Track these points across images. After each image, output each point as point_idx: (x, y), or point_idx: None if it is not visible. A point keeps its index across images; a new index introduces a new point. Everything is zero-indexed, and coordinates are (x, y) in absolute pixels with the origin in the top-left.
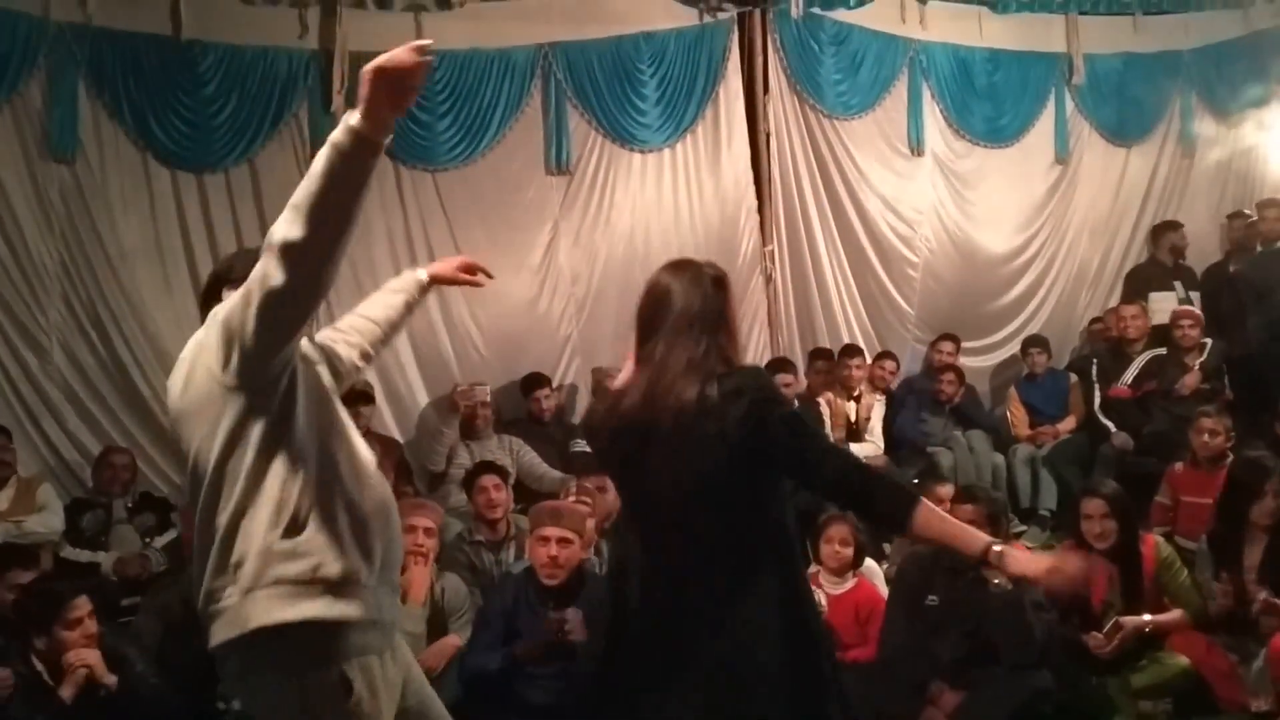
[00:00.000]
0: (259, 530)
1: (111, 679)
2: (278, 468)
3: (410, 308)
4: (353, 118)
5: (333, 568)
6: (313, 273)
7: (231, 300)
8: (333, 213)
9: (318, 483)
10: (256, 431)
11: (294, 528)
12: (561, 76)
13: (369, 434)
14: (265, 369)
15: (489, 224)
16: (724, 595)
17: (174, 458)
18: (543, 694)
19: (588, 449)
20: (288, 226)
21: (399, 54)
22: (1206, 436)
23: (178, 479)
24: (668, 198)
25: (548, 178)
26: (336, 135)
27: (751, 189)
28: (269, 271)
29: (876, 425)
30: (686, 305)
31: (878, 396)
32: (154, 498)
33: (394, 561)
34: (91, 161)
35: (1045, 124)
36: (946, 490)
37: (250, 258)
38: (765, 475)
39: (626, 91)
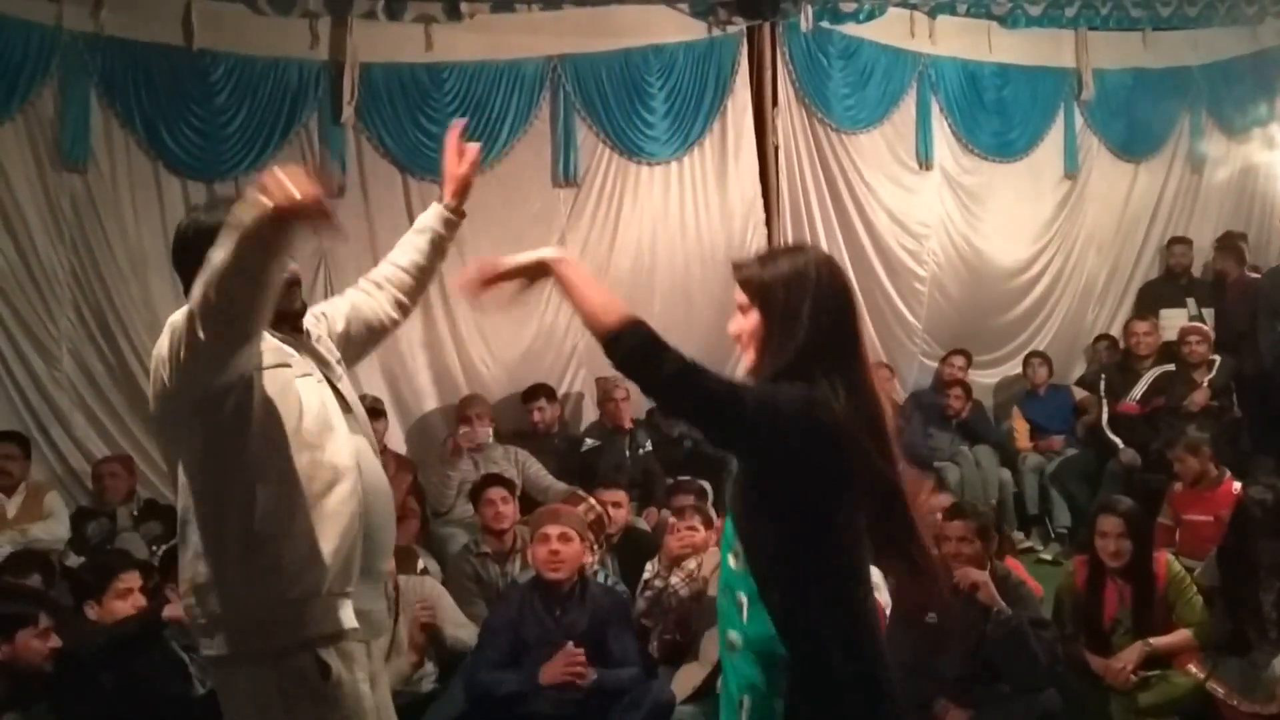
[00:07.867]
0: (220, 552)
1: None
2: (236, 488)
3: (438, 244)
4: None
5: (294, 589)
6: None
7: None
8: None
9: (279, 502)
10: (216, 447)
11: (255, 552)
12: (570, 89)
13: (384, 451)
14: (209, 383)
15: (496, 235)
16: None
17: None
18: (548, 705)
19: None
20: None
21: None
22: (1181, 460)
23: None
24: (675, 210)
25: (555, 190)
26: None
27: (759, 202)
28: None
29: None
30: None
31: None
32: (159, 505)
33: (380, 550)
34: (103, 170)
35: (1054, 139)
36: (943, 500)
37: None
38: None
39: (635, 104)
